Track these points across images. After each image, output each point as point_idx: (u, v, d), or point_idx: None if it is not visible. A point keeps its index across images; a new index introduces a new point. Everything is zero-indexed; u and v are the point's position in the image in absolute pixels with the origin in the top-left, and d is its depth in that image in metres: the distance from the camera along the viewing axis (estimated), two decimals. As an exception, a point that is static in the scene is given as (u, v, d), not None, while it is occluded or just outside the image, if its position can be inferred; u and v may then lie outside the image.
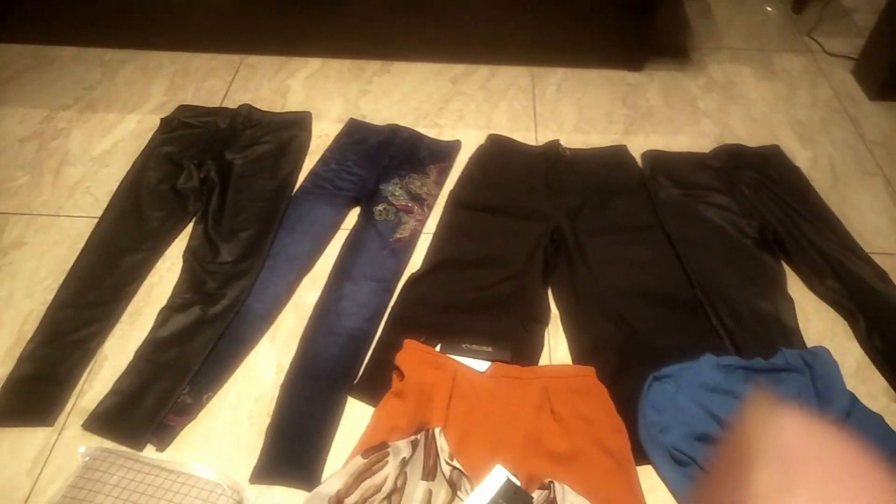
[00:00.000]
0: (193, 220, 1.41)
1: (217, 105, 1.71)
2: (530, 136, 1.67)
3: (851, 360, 1.23)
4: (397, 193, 1.48)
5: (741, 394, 1.14)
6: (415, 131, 1.64)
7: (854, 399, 1.13)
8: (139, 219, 1.39)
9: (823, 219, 1.44)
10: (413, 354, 1.16)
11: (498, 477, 1.01)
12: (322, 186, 1.49)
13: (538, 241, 1.37)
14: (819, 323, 1.29)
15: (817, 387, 1.14)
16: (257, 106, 1.68)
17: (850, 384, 1.17)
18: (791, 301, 1.31)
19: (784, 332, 1.25)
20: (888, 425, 1.11)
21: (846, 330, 1.28)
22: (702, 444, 1.07)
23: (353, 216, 1.45)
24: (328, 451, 1.07)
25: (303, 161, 1.56)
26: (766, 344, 1.21)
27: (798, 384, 1.15)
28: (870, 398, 1.16)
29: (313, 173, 1.52)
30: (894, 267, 1.38)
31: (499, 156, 1.58)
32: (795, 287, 1.34)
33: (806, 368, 1.17)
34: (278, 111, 1.69)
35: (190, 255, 1.33)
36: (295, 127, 1.63)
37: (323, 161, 1.55)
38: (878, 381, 1.20)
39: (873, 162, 1.64)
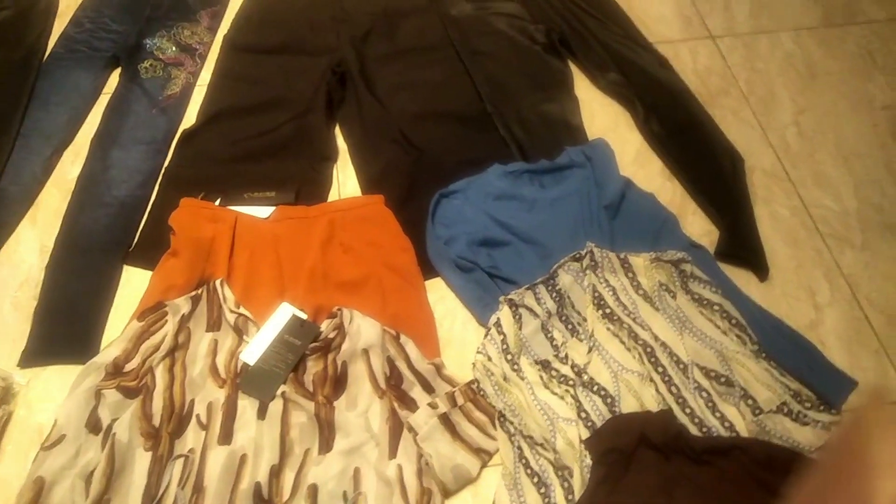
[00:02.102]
0: (-77, 107, 1.23)
1: (-62, -28, 1.46)
2: (312, -34, 1.53)
3: (631, 147, 1.27)
4: (164, 46, 1.34)
5: (526, 196, 1.16)
6: (180, -25, 1.47)
7: (628, 182, 1.17)
8: None
9: (609, 14, 1.43)
10: (188, 212, 1.10)
11: (283, 313, 1.01)
12: (76, 50, 1.33)
13: (322, 77, 1.30)
14: (603, 117, 1.31)
15: (596, 177, 1.17)
16: (-12, -32, 1.44)
17: (630, 170, 1.22)
18: (576, 100, 1.32)
19: (570, 132, 1.27)
20: (659, 202, 1.17)
21: (628, 120, 1.31)
22: (484, 249, 1.10)
23: (115, 79, 1.31)
24: (104, 324, 1.02)
25: (51, 25, 1.38)
26: (552, 146, 1.22)
27: (579, 178, 1.18)
28: (646, 180, 1.21)
29: (64, 36, 1.35)
30: (676, 53, 1.40)
31: (277, -9, 1.45)
32: (582, 85, 1.35)
33: (587, 162, 1.19)
34: (17, -29, 1.46)
35: (-78, 145, 1.17)
36: (38, -13, 1.42)
37: (75, 21, 1.38)
38: (655, 163, 1.25)
39: (663, -48, 1.62)
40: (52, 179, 1.17)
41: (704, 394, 0.95)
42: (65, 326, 1.01)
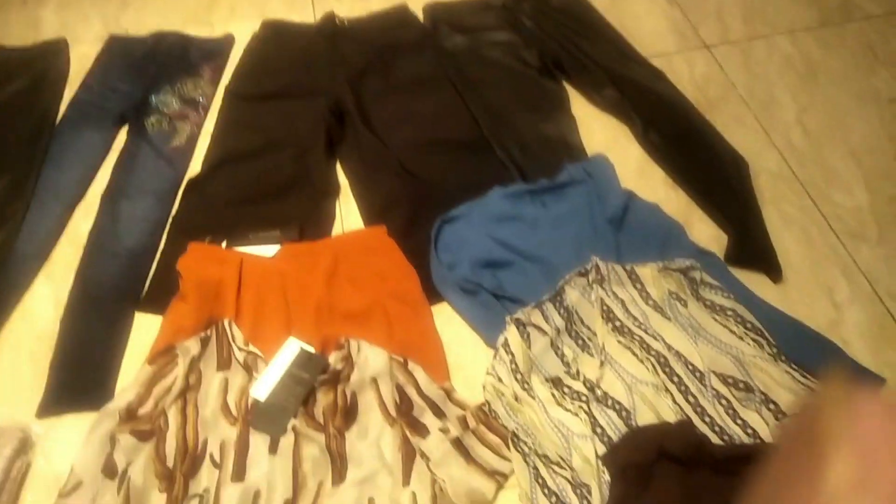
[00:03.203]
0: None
1: (-43, 50, 1.54)
2: (308, 15, 1.59)
3: (632, 160, 1.26)
4: (169, 101, 1.38)
5: (528, 216, 1.16)
6: (182, 34, 1.53)
7: (631, 194, 1.16)
8: None
9: (600, 33, 1.45)
10: (196, 256, 1.11)
11: (291, 348, 1.01)
12: (86, 112, 1.38)
13: (320, 117, 1.32)
14: (602, 134, 1.31)
15: (598, 191, 1.17)
16: (4, 43, 1.52)
17: (632, 182, 1.21)
18: (573, 119, 1.32)
19: (569, 150, 1.27)
20: (663, 212, 1.15)
21: (627, 134, 1.31)
22: (488, 270, 1.09)
23: (124, 135, 1.35)
24: (117, 371, 1.03)
25: (62, 91, 1.43)
26: (552, 165, 1.22)
27: (581, 194, 1.18)
28: (650, 191, 1.20)
29: (75, 100, 1.41)
30: (671, 66, 1.41)
31: (274, 41, 1.50)
32: (579, 104, 1.36)
33: (588, 178, 1.19)
34: (30, 45, 1.54)
35: (-57, 212, 1.22)
36: (49, 57, 1.49)
37: (84, 86, 1.43)
38: (657, 174, 1.24)
39: (652, -31, 1.64)
40: (66, 235, 1.20)
41: (724, 401, 0.92)
42: (79, 376, 1.02)
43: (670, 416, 0.92)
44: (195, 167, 1.29)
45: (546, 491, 0.87)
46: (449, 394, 0.97)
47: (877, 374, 0.97)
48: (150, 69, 1.44)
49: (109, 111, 1.37)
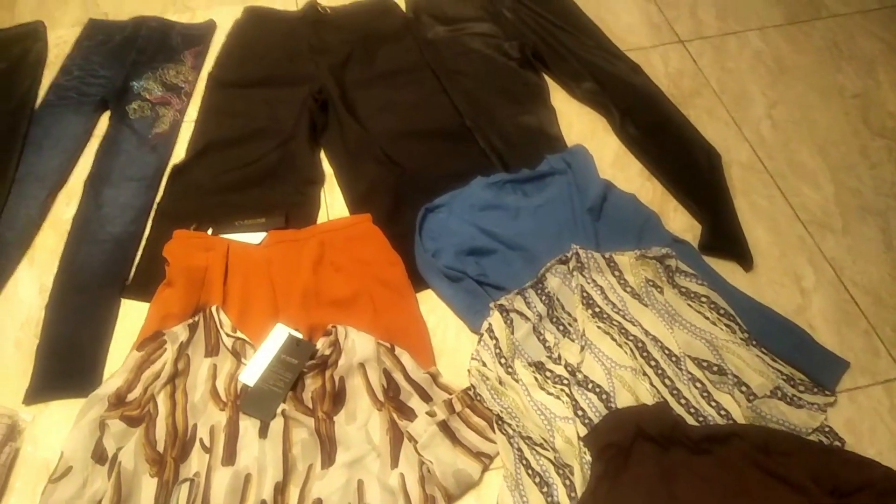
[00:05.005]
0: (-79, 161, 1.27)
1: (-71, 32, 1.51)
2: (290, 2, 1.59)
3: (609, 151, 1.30)
4: (150, 87, 1.38)
5: (510, 205, 1.19)
6: (163, 19, 1.52)
7: (609, 185, 1.20)
8: None
9: (580, 26, 1.48)
10: (182, 242, 1.12)
11: (279, 334, 1.02)
12: (66, 97, 1.37)
13: (303, 105, 1.33)
14: (581, 125, 1.34)
15: (577, 181, 1.20)
16: (-22, 25, 1.50)
17: (609, 173, 1.25)
18: (553, 111, 1.35)
19: (549, 141, 1.30)
20: (640, 201, 1.19)
21: (605, 125, 1.34)
22: (472, 258, 1.12)
23: (105, 121, 1.34)
24: (104, 357, 1.04)
25: (41, 75, 1.42)
26: (532, 156, 1.25)
27: (561, 184, 1.21)
28: (626, 181, 1.24)
29: (55, 85, 1.40)
30: (647, 60, 1.44)
31: (257, 28, 1.50)
32: (558, 97, 1.39)
33: (567, 168, 1.22)
34: (7, 28, 1.51)
35: (-79, 198, 1.20)
36: (27, 40, 1.47)
37: (64, 70, 1.42)
38: (634, 165, 1.28)
39: (629, -36, 1.67)
40: (48, 221, 1.20)
41: (698, 384, 0.97)
42: (67, 362, 1.02)
43: (648, 399, 0.96)
44: (179, 154, 1.29)
45: (530, 471, 0.91)
46: (435, 378, 1.00)
47: (841, 358, 1.02)
48: (130, 54, 1.43)
49: (90, 96, 1.36)
